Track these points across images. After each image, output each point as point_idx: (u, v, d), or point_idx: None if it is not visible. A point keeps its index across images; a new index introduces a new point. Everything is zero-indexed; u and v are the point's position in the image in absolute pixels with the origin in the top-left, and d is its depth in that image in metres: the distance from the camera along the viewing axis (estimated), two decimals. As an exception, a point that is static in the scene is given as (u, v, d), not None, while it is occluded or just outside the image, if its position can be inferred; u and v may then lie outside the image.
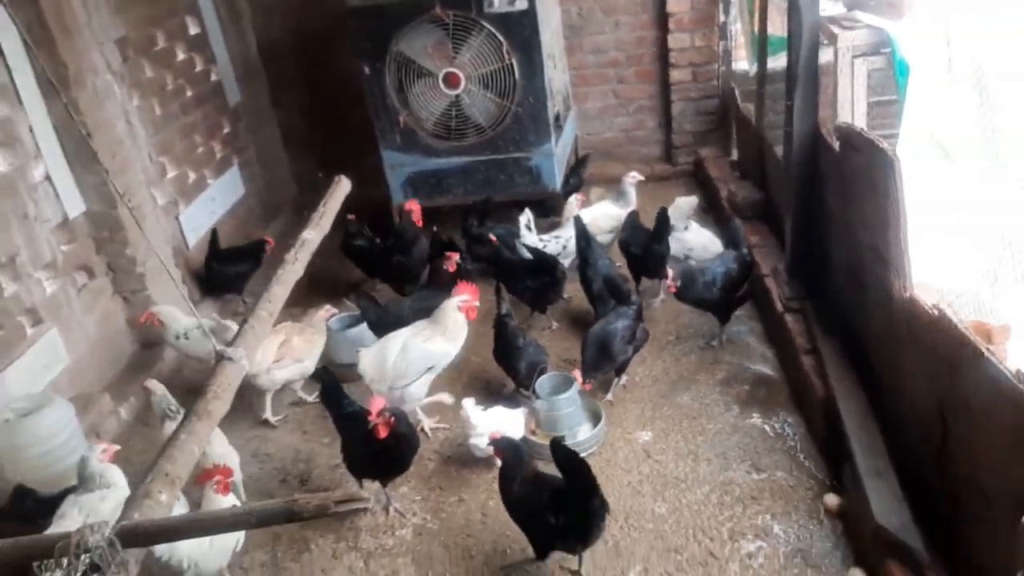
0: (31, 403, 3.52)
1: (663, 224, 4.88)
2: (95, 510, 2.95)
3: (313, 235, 3.24)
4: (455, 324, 4.02)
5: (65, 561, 1.69)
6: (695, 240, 5.18)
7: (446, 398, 4.12)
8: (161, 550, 2.89)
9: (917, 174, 3.36)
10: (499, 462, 3.21)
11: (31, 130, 4.26)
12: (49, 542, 1.78)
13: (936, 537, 2.77)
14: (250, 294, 5.62)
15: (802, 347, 4.01)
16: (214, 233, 5.67)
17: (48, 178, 4.33)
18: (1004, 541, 2.39)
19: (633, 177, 5.65)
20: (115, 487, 3.14)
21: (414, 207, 5.54)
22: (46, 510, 3.40)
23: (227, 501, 3.11)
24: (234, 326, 4.46)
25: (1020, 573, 1.97)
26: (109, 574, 1.70)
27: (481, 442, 3.66)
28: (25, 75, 4.24)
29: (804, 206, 4.29)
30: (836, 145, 3.81)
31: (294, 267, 3.01)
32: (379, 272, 5.58)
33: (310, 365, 4.32)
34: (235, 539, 3.20)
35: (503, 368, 4.30)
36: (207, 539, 3.02)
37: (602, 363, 4.10)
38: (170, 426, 3.43)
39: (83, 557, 1.70)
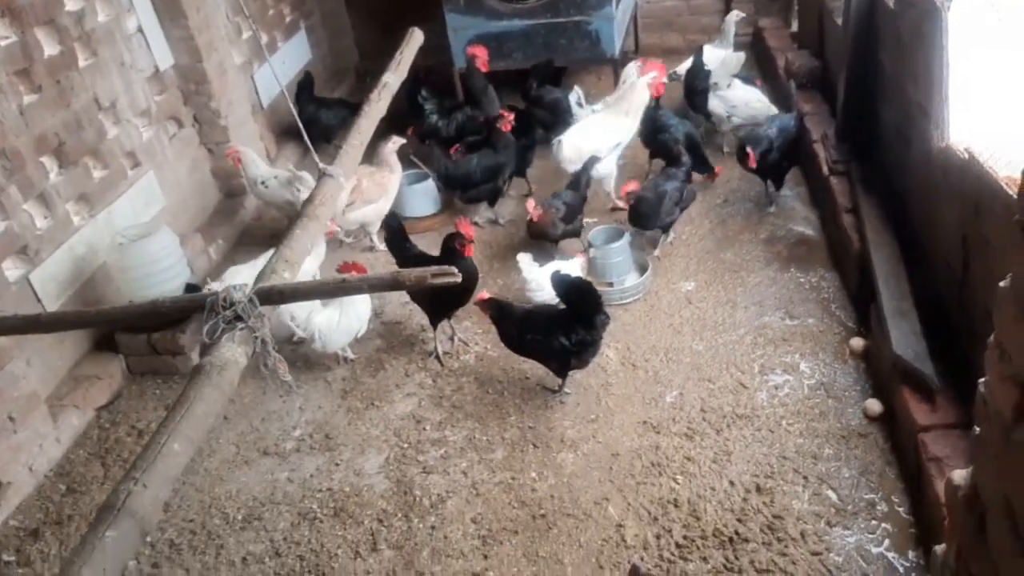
0: (140, 231, 3.96)
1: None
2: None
3: (393, 79, 3.52)
4: (640, 101, 4.75)
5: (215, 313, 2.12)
6: (738, 97, 5.30)
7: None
8: (301, 319, 3.78)
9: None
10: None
11: (124, -19, 4.54)
12: (203, 298, 2.20)
13: (953, 368, 3.06)
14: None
15: (843, 207, 4.20)
16: (308, 77, 5.95)
17: (140, 30, 4.64)
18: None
19: (737, 15, 5.89)
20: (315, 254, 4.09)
21: (478, 52, 5.54)
22: (152, 326, 3.94)
23: (361, 300, 3.88)
24: (309, 177, 4.85)
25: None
26: (250, 322, 2.13)
27: (536, 296, 3.95)
28: (116, -73, 4.48)
29: (858, 64, 4.37)
30: (892, 2, 3.88)
31: (378, 105, 3.32)
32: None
33: (384, 205, 4.69)
34: (358, 325, 3.90)
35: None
36: (336, 318, 3.81)
37: (651, 221, 4.38)
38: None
39: (229, 310, 2.12)
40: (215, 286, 3.93)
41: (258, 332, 2.17)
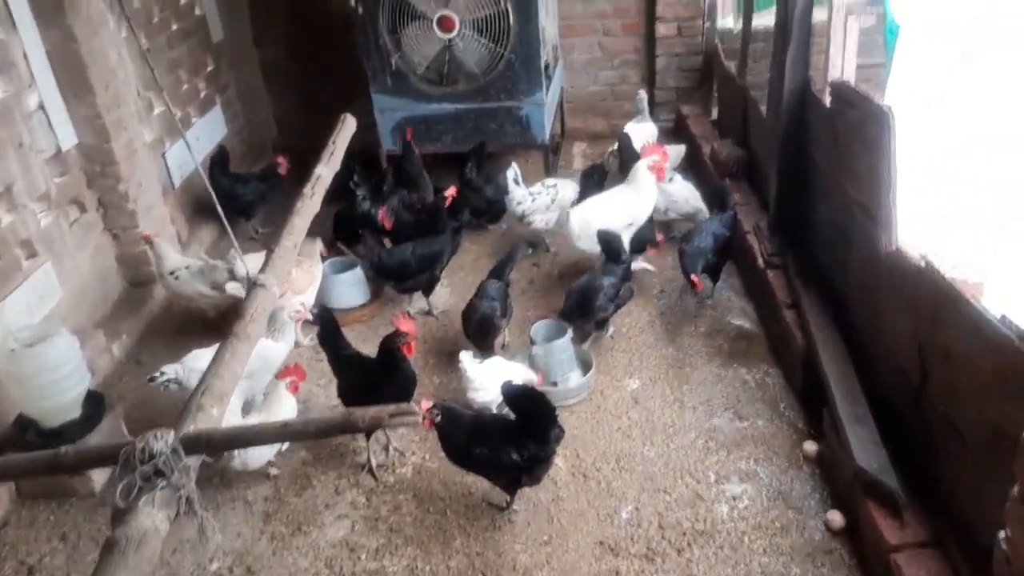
0: (34, 333, 3.52)
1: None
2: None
3: (326, 171, 3.29)
4: (648, 183, 4.71)
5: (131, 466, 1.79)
6: (678, 192, 5.30)
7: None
8: None
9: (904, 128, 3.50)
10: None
11: (25, 56, 4.15)
12: (114, 449, 1.86)
13: (912, 478, 2.98)
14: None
15: (783, 302, 4.18)
16: (223, 151, 5.67)
17: (42, 107, 4.24)
18: (976, 475, 2.61)
19: (643, 94, 6.19)
20: (286, 340, 3.96)
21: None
22: (46, 442, 3.47)
23: (290, 401, 3.58)
24: (222, 265, 4.53)
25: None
26: (172, 479, 1.80)
27: (479, 395, 3.72)
28: (19, -1, 4.12)
29: (790, 162, 4.44)
30: (828, 101, 3.94)
31: (312, 200, 3.09)
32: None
33: (309, 298, 4.38)
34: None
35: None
36: None
37: (583, 316, 4.24)
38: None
39: (148, 464, 1.80)
40: (171, 370, 3.58)
41: (183, 490, 1.85)
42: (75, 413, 3.59)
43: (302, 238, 3.05)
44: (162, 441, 1.87)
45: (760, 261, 4.57)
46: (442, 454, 3.47)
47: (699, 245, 4.50)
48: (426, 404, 3.30)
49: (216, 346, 2.68)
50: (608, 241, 4.49)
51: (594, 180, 5.35)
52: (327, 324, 3.83)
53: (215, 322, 4.62)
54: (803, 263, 4.33)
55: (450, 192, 4.92)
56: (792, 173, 4.45)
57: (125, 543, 1.69)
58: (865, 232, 3.48)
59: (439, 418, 3.21)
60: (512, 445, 3.15)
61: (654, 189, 4.79)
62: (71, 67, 4.34)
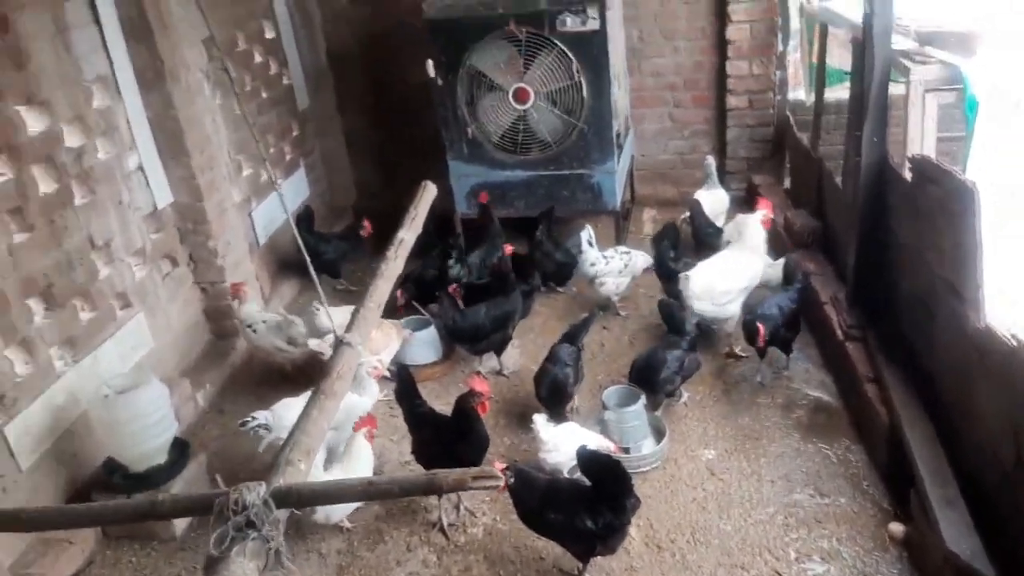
0: (126, 381, 3.67)
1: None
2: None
3: (408, 235, 3.41)
4: (760, 239, 4.80)
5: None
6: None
7: None
8: None
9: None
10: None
11: (128, 121, 4.44)
12: (208, 499, 1.92)
13: (1005, 566, 2.84)
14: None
15: (864, 375, 4.08)
16: (308, 210, 5.96)
17: (141, 168, 4.52)
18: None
19: (711, 159, 6.22)
20: (369, 395, 4.03)
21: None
22: (132, 486, 3.59)
23: (368, 451, 3.62)
24: (300, 322, 4.67)
25: None
26: (263, 531, 1.85)
27: (550, 457, 3.72)
28: (125, 68, 4.43)
29: (869, 234, 4.39)
30: (908, 176, 3.91)
31: (395, 263, 3.20)
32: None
33: (386, 357, 4.47)
34: None
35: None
36: None
37: (647, 388, 4.20)
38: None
39: (240, 515, 1.85)
40: (262, 416, 3.69)
41: (272, 542, 1.89)
42: (161, 458, 3.71)
43: (384, 299, 3.14)
44: (254, 493, 1.92)
45: (839, 333, 4.48)
46: (513, 516, 3.45)
47: (763, 313, 4.46)
48: (499, 465, 3.31)
49: (304, 396, 2.76)
50: (671, 314, 4.48)
51: (666, 243, 5.37)
52: (404, 381, 3.91)
53: (293, 375, 4.74)
54: (884, 336, 4.23)
55: (508, 249, 5.08)
56: (871, 246, 4.39)
57: (219, 593, 1.74)
58: (951, 308, 3.40)
59: (512, 480, 3.20)
60: (587, 512, 3.12)
61: (764, 245, 4.85)
62: (169, 132, 4.63)
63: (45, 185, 3.82)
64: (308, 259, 3.44)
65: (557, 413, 4.17)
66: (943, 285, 3.50)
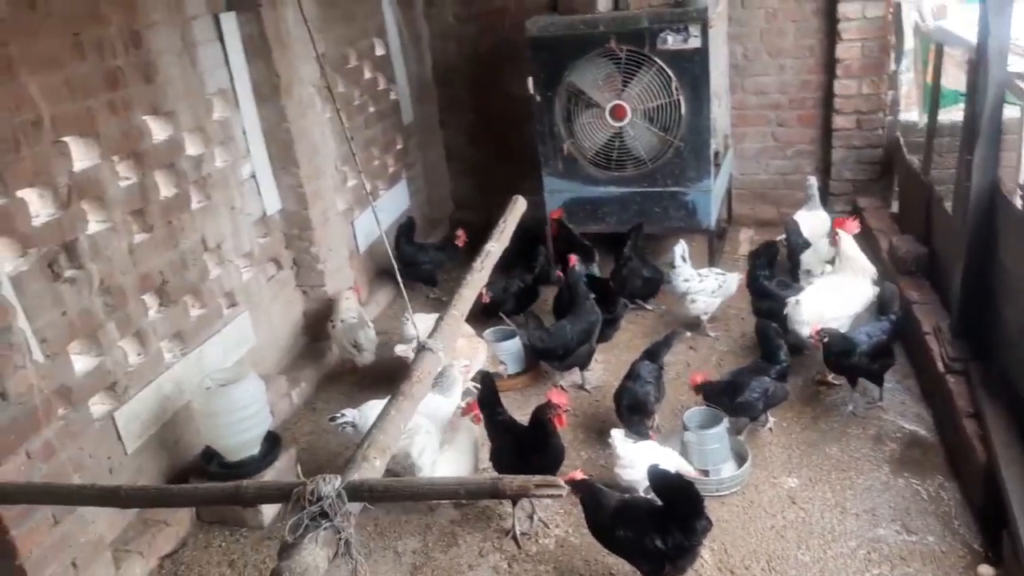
0: (228, 375, 3.93)
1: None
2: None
3: (496, 247, 3.50)
4: (861, 260, 4.80)
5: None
6: None
7: None
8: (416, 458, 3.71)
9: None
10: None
11: (243, 132, 4.75)
12: (287, 488, 2.05)
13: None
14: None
15: (964, 410, 3.89)
16: (410, 221, 6.25)
17: (253, 176, 4.82)
18: None
19: (812, 179, 6.09)
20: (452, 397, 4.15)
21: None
22: (227, 474, 3.82)
23: (471, 433, 3.98)
24: (371, 327, 5.03)
25: None
26: (336, 521, 1.96)
27: (626, 473, 3.72)
28: (243, 82, 4.74)
29: (976, 263, 4.18)
30: (1020, 203, 3.72)
31: (481, 274, 3.30)
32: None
33: (473, 367, 4.58)
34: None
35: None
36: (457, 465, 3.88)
37: (727, 409, 4.13)
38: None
39: (315, 505, 1.97)
40: (351, 414, 3.91)
41: (343, 532, 1.99)
42: (255, 450, 3.94)
43: (468, 308, 3.24)
44: (329, 485, 2.03)
45: (940, 365, 4.27)
46: (585, 530, 3.47)
47: (847, 335, 4.33)
48: (579, 475, 3.35)
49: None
50: (768, 337, 4.38)
51: (762, 260, 5.27)
52: (487, 388, 4.00)
53: (360, 376, 5.10)
54: (989, 371, 4.02)
55: (572, 259, 5.12)
56: (978, 276, 4.18)
57: (288, 575, 1.85)
58: (1061, 342, 3.21)
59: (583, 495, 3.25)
60: (657, 531, 3.11)
61: (871, 267, 4.79)
62: (281, 142, 4.92)
63: (166, 189, 4.13)
64: (397, 269, 3.57)
65: (636, 430, 4.16)
66: (1052, 319, 3.31)
